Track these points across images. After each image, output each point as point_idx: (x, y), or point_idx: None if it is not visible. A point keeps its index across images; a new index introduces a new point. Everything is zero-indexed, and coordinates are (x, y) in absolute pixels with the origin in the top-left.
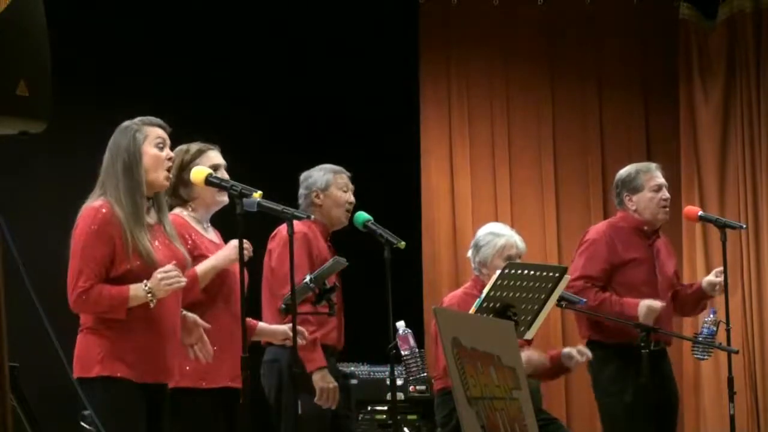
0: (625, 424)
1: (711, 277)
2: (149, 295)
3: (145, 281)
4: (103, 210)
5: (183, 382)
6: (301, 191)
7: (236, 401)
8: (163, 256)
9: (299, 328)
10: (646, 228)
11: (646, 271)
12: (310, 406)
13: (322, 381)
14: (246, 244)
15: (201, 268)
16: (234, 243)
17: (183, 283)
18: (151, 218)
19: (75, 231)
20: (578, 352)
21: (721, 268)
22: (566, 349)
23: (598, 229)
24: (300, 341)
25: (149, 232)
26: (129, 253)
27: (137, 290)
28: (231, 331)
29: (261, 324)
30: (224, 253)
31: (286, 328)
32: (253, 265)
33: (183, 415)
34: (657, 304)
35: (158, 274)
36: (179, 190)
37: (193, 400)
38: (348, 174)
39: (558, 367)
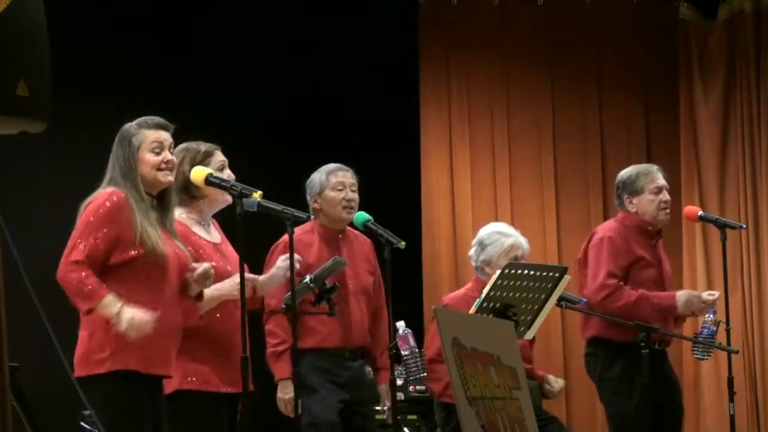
0: (634, 423)
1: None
2: (117, 315)
3: (121, 304)
4: (114, 197)
5: (184, 384)
6: (307, 196)
7: (237, 403)
8: (170, 249)
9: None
10: (650, 228)
11: (655, 270)
12: (310, 406)
13: (280, 392)
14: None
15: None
16: (238, 280)
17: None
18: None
19: (83, 211)
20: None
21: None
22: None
23: (609, 227)
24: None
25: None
26: (136, 241)
27: (110, 305)
28: (232, 335)
29: (261, 277)
30: (229, 284)
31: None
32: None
33: (184, 418)
34: (694, 293)
35: (135, 319)
36: (190, 187)
37: (194, 402)
38: (346, 170)
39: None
